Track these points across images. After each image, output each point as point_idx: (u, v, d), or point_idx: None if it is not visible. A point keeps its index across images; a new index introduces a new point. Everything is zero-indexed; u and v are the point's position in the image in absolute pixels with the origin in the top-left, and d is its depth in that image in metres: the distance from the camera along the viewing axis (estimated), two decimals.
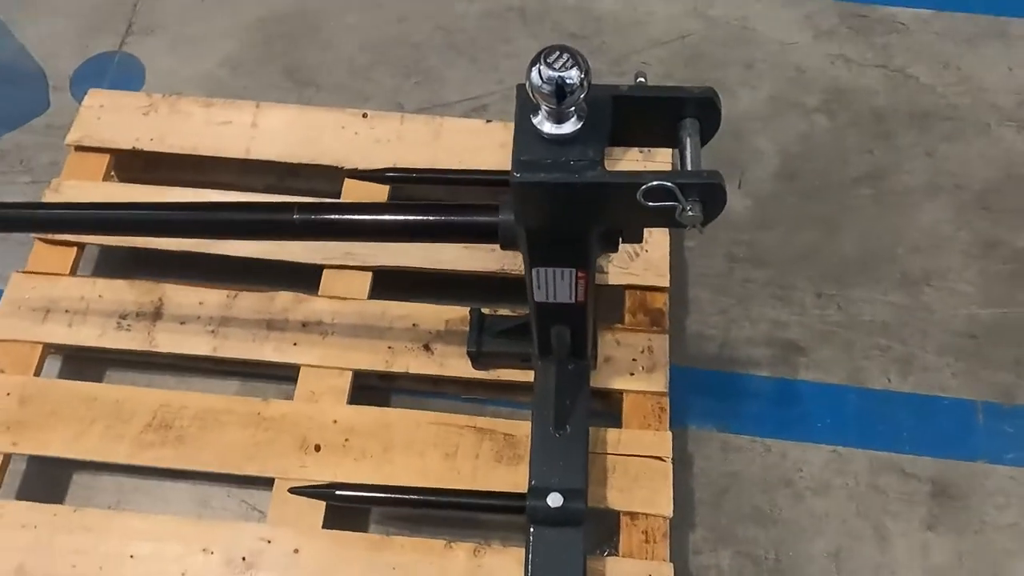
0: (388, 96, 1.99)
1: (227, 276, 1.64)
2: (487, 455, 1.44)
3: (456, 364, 1.51)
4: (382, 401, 1.60)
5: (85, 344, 1.54)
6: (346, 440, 1.46)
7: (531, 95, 0.80)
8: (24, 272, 1.59)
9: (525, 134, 0.85)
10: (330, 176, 1.73)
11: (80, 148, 1.72)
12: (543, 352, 1.36)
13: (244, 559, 1.36)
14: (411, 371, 1.52)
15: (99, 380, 1.62)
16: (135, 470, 1.54)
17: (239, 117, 1.75)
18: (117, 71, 2.05)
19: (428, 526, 1.53)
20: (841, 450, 1.63)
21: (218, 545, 1.37)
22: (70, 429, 1.45)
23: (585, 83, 0.81)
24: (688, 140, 0.93)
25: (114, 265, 1.73)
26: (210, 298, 1.58)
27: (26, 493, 1.53)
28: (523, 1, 2.14)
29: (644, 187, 0.82)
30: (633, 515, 1.41)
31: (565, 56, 0.79)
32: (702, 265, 1.81)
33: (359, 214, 1.10)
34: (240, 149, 1.71)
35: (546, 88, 0.79)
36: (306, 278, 1.62)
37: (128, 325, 1.55)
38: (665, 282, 1.60)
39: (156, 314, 1.56)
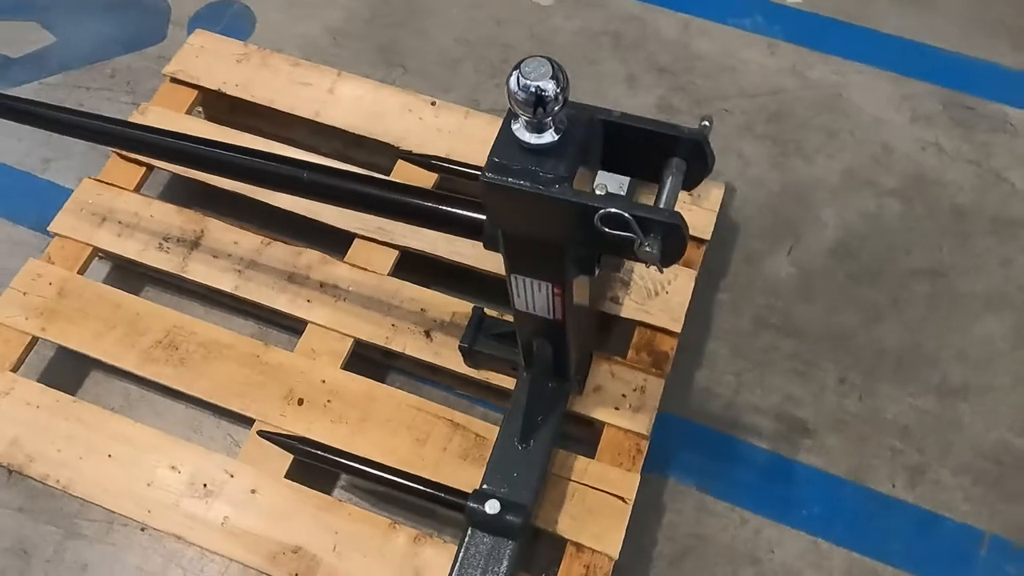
0: (467, 91, 2.04)
1: (270, 224, 1.73)
2: (455, 450, 1.46)
3: (450, 356, 1.53)
4: (378, 375, 1.64)
5: (126, 255, 1.66)
6: (328, 401, 1.51)
7: (508, 101, 0.82)
8: (95, 179, 1.73)
9: (506, 138, 0.87)
10: (388, 153, 1.79)
11: (174, 80, 1.86)
12: (527, 363, 1.36)
13: (205, 485, 1.44)
14: (407, 352, 1.56)
15: (136, 293, 1.74)
16: (146, 382, 1.65)
17: (319, 81, 1.84)
18: (231, 19, 2.20)
19: (390, 505, 1.57)
20: (822, 543, 1.55)
21: (187, 466, 1.45)
22: (92, 328, 1.57)
23: (560, 97, 0.81)
24: (669, 179, 0.92)
25: (175, 192, 1.86)
26: (245, 240, 1.67)
27: (46, 378, 1.67)
28: (622, 27, 2.15)
29: (602, 212, 0.82)
30: (579, 547, 1.39)
31: (544, 67, 0.80)
32: (729, 322, 1.77)
33: (360, 185, 1.14)
34: (311, 111, 1.80)
35: (520, 95, 0.81)
36: (338, 243, 1.68)
37: (168, 247, 1.66)
38: (677, 327, 1.57)
39: (194, 243, 1.66)
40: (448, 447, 1.46)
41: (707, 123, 1.71)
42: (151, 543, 1.56)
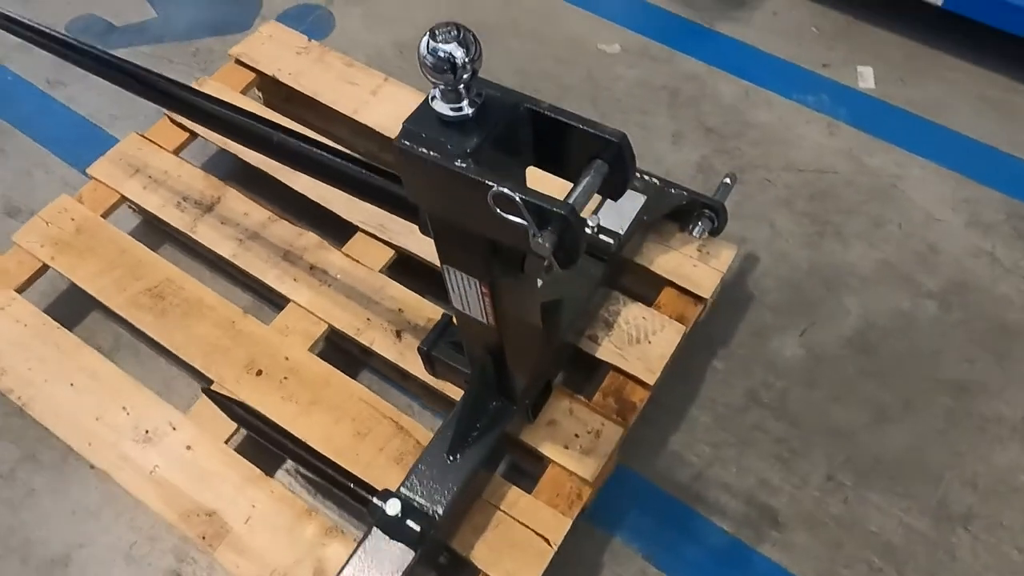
0: None
1: (285, 205, 1.78)
2: (391, 451, 1.42)
3: (414, 360, 1.51)
4: (350, 370, 1.63)
5: (145, 207, 1.74)
6: (285, 378, 1.51)
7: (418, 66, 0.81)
8: (140, 135, 1.84)
9: (424, 109, 0.86)
10: None
11: (237, 61, 1.97)
12: (472, 376, 1.32)
13: (147, 432, 1.46)
14: (373, 347, 1.54)
15: (154, 249, 1.82)
16: (140, 334, 1.71)
17: (365, 83, 1.91)
18: (314, 21, 2.33)
19: (327, 499, 1.54)
20: None
21: (137, 411, 1.48)
22: (94, 266, 1.65)
23: (469, 66, 0.80)
24: (586, 178, 0.88)
25: (214, 163, 1.95)
26: (255, 214, 1.72)
27: (52, 308, 1.75)
28: (681, 84, 2.13)
29: (494, 191, 0.79)
30: None
31: (455, 32, 0.79)
32: (718, 391, 1.66)
33: (316, 152, 1.16)
34: (350, 108, 1.87)
35: (429, 60, 0.80)
36: (341, 234, 1.71)
37: (184, 207, 1.73)
38: (651, 379, 1.49)
39: (209, 208, 1.73)
40: (385, 448, 1.43)
41: (728, 180, 1.67)
42: (96, 482, 1.59)
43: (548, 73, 2.17)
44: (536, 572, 1.31)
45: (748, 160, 1.99)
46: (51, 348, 1.55)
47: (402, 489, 1.28)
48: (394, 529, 1.21)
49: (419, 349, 1.43)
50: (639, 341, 1.54)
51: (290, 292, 1.61)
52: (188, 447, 1.44)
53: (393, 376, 1.66)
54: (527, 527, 1.35)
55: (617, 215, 1.57)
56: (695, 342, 1.72)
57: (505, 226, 0.82)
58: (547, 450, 1.42)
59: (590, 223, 1.47)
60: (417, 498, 1.26)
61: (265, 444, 1.41)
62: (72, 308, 1.78)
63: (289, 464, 1.57)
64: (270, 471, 1.48)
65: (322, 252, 1.67)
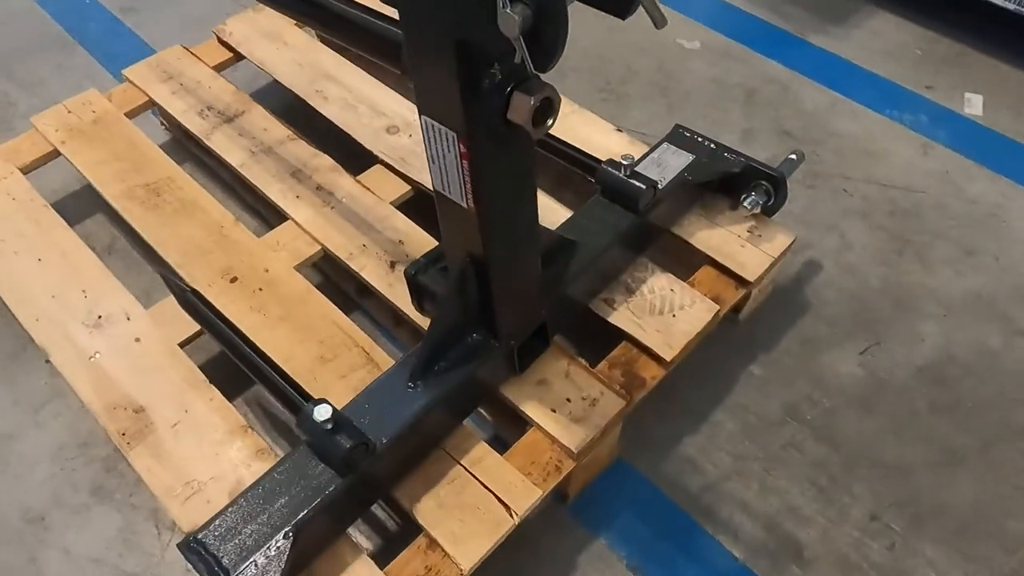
0: (573, 95, 1.91)
1: (312, 132, 1.66)
2: (354, 380, 1.23)
3: (401, 293, 1.33)
4: (339, 303, 1.46)
5: (168, 110, 1.66)
6: (260, 289, 1.36)
7: None
8: (184, 48, 1.79)
9: None
10: None
11: None
12: (448, 286, 1.12)
13: (100, 317, 1.32)
14: (363, 274, 1.38)
15: (180, 163, 1.73)
16: (134, 240, 1.62)
17: None
18: None
19: (271, 422, 1.36)
20: None
21: (96, 295, 1.35)
22: (101, 155, 1.57)
23: None
24: None
25: (248, 81, 1.87)
26: (274, 131, 1.61)
27: (59, 205, 1.67)
28: (760, 86, 1.94)
29: None
30: (432, 542, 1.08)
31: None
32: (753, 398, 1.40)
33: None
34: None
35: None
36: (361, 163, 1.58)
37: (206, 115, 1.65)
38: (668, 355, 1.26)
39: (230, 119, 1.64)
40: (348, 376, 1.24)
41: (794, 156, 1.46)
42: (47, 377, 1.45)
43: (618, 59, 2.03)
44: (487, 543, 1.07)
45: (825, 167, 1.77)
46: (31, 224, 1.46)
47: (346, 410, 1.09)
48: (324, 447, 1.01)
49: (405, 272, 1.26)
50: (662, 313, 1.31)
51: (290, 208, 1.48)
52: (137, 339, 1.29)
53: (386, 323, 1.49)
54: (488, 490, 1.12)
55: (657, 168, 1.37)
56: (733, 342, 1.48)
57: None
58: (530, 410, 1.20)
59: (623, 162, 1.30)
60: (362, 420, 1.06)
61: (226, 354, 1.24)
62: (77, 207, 1.70)
63: (251, 394, 1.40)
64: (216, 382, 1.31)
65: (333, 175, 1.53)
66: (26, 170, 1.58)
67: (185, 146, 1.81)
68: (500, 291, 1.07)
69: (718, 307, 1.32)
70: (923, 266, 1.59)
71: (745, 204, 1.37)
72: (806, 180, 1.74)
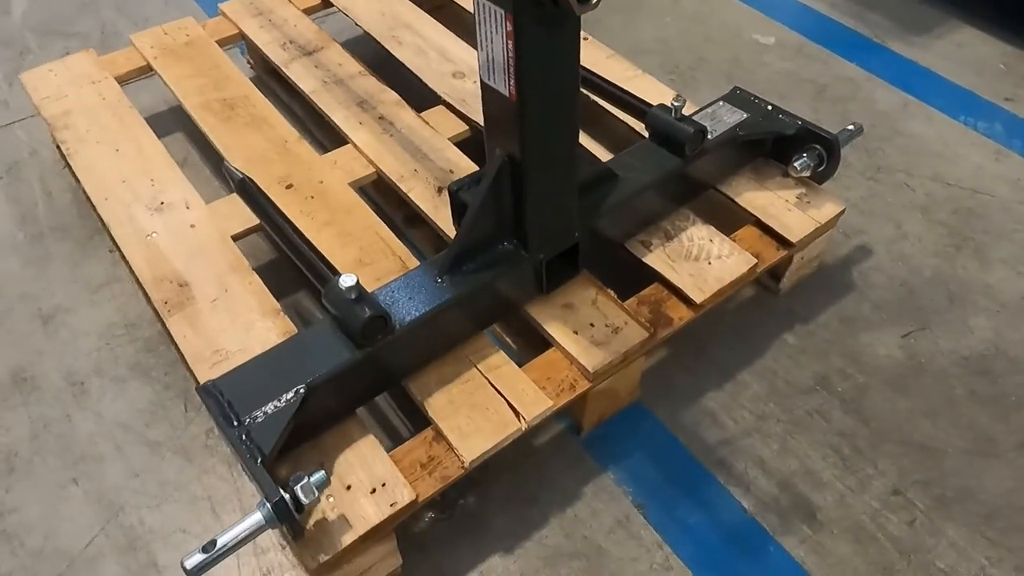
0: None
1: (385, 73, 1.73)
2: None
3: (445, 216, 1.37)
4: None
5: (255, 41, 1.77)
6: (312, 197, 1.42)
7: None
8: None
9: None
10: None
11: None
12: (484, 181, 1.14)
13: (162, 203, 1.40)
14: (411, 196, 1.42)
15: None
16: (208, 156, 1.72)
17: None
18: None
19: (307, 310, 1.42)
20: None
21: (163, 185, 1.44)
22: (186, 71, 1.67)
23: None
24: None
25: (336, 32, 1.96)
26: (348, 66, 1.69)
27: (156, 119, 1.79)
28: (832, 83, 1.93)
29: None
30: (439, 434, 1.10)
31: None
32: (784, 365, 1.37)
33: None
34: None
35: None
36: (425, 102, 1.63)
37: (287, 47, 1.74)
38: (699, 298, 1.25)
39: (309, 53, 1.73)
40: (383, 278, 1.26)
41: (853, 127, 1.44)
42: (108, 265, 1.55)
43: (691, 48, 2.05)
44: (491, 440, 1.08)
45: (890, 162, 1.73)
46: (116, 120, 1.57)
47: (377, 293, 1.12)
48: (345, 317, 1.04)
49: (449, 188, 1.29)
50: (697, 260, 1.31)
51: (351, 132, 1.54)
52: (192, 225, 1.37)
53: (428, 251, 1.53)
54: (500, 394, 1.13)
55: (710, 121, 1.38)
56: (771, 309, 1.45)
57: None
58: (552, 329, 1.21)
59: (674, 103, 1.31)
60: (387, 303, 1.09)
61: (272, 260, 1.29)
62: (161, 124, 1.80)
63: (298, 298, 1.46)
64: (261, 272, 1.36)
65: (397, 108, 1.59)
66: (121, 79, 1.70)
67: (267, 83, 1.91)
68: (534, 195, 1.09)
69: (755, 260, 1.31)
70: (981, 263, 1.54)
71: (796, 164, 1.36)
72: (868, 171, 1.72)
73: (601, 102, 1.52)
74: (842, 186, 1.69)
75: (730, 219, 1.42)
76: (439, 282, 1.14)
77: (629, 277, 1.33)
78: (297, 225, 1.35)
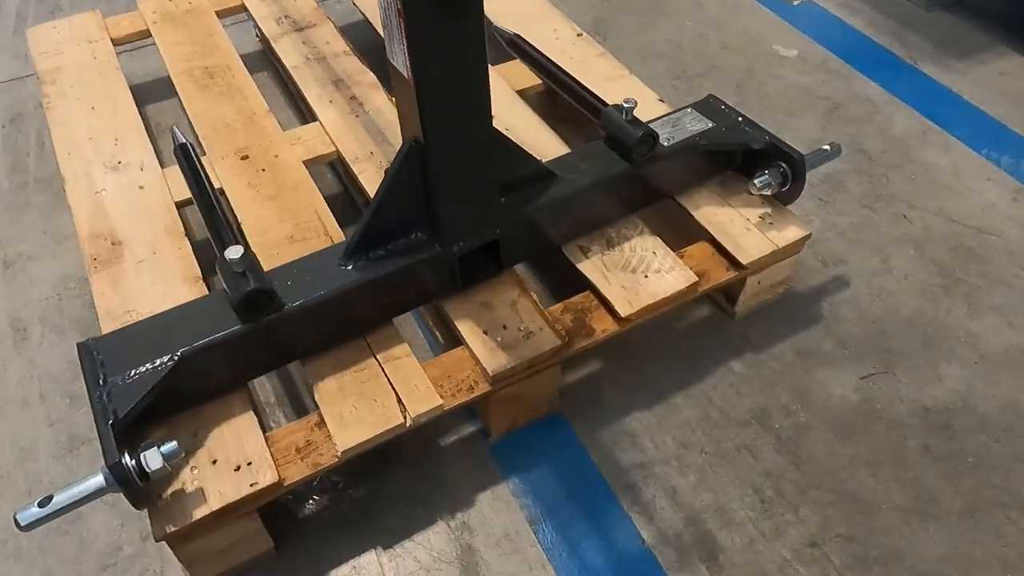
0: (646, 77, 1.86)
1: (375, 55, 1.72)
2: None
3: None
4: (350, 216, 1.49)
5: (253, 13, 1.78)
6: (263, 170, 1.41)
7: None
8: None
9: None
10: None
11: None
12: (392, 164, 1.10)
13: (120, 162, 1.43)
14: (361, 178, 1.40)
15: (260, 71, 1.85)
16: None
17: None
18: None
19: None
20: None
21: (125, 145, 1.47)
22: (178, 38, 1.70)
23: None
24: None
25: (343, 16, 1.97)
26: (335, 44, 1.68)
27: (142, 86, 1.84)
28: (848, 102, 1.80)
29: None
30: (321, 421, 1.07)
31: None
32: (723, 393, 1.29)
33: None
34: None
35: None
36: None
37: (281, 22, 1.75)
38: (625, 311, 1.18)
39: (300, 30, 1.73)
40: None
41: (828, 147, 1.34)
42: None
43: (704, 54, 1.95)
44: (369, 432, 1.05)
45: (892, 191, 1.61)
46: (100, 79, 1.61)
47: (274, 271, 1.10)
48: (230, 286, 1.02)
49: (385, 171, 1.26)
50: (634, 271, 1.23)
51: (319, 110, 1.53)
52: (141, 187, 1.38)
53: None
54: (392, 387, 1.10)
55: (670, 127, 1.30)
56: (724, 334, 1.37)
57: None
58: (463, 327, 1.16)
59: (625, 105, 1.25)
60: (285, 282, 1.07)
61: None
62: (157, 90, 1.85)
63: None
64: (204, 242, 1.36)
65: (370, 90, 1.57)
66: (118, 41, 1.75)
67: (269, 58, 1.93)
68: (442, 182, 1.05)
69: (696, 279, 1.22)
70: (969, 308, 1.40)
71: (756, 182, 1.27)
72: (866, 198, 1.59)
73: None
74: (833, 211, 1.57)
75: (686, 232, 1.34)
76: (342, 265, 1.11)
77: (572, 281, 1.27)
78: (242, 197, 1.36)
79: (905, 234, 1.53)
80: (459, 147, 1.03)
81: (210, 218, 1.14)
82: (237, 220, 1.31)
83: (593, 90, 1.46)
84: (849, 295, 1.43)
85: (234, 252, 1.01)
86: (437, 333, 1.31)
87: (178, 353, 1.00)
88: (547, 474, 1.20)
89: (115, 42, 1.74)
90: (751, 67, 1.92)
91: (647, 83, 1.59)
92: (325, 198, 1.53)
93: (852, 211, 1.57)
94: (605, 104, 1.29)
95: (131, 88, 1.60)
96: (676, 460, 1.21)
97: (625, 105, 1.23)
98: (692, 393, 1.29)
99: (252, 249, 1.23)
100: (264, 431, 1.06)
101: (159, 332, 1.04)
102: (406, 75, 0.95)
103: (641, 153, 1.24)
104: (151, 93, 1.86)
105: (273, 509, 1.11)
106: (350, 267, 1.11)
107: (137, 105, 1.56)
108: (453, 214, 1.10)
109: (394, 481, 1.19)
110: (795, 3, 2.11)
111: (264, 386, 1.32)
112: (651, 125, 1.30)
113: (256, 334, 1.05)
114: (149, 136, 1.50)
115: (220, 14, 1.82)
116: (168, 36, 1.72)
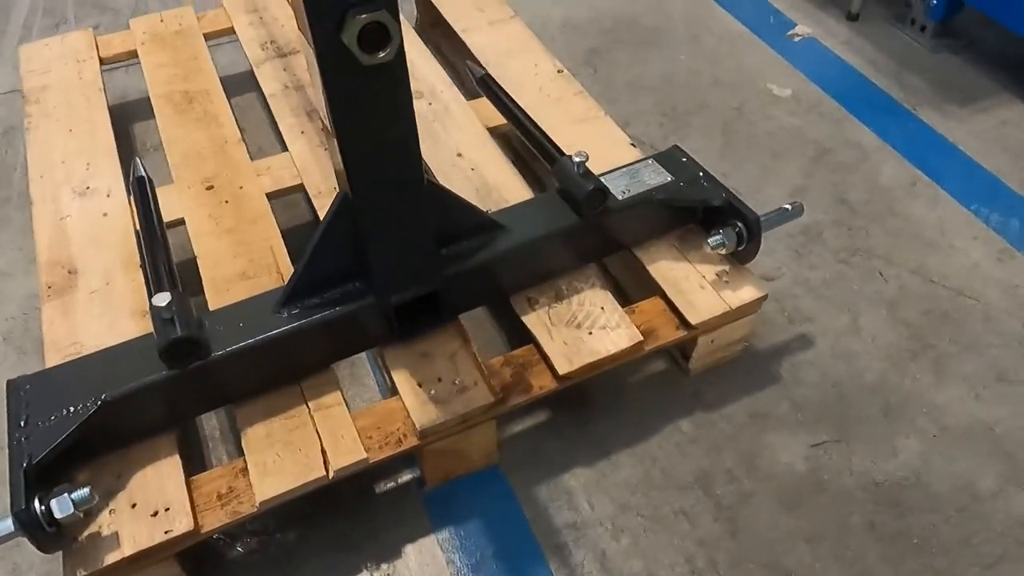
0: (626, 111, 1.83)
1: None
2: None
3: None
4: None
5: (241, 36, 1.79)
6: (226, 201, 1.42)
7: None
8: None
9: None
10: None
11: None
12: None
13: (88, 188, 1.45)
14: (320, 211, 1.40)
15: (235, 95, 1.86)
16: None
17: (493, 13, 1.81)
18: None
19: None
20: None
21: (96, 170, 1.48)
22: (164, 60, 1.72)
23: None
24: None
25: None
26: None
27: (127, 104, 1.86)
28: (839, 148, 1.75)
29: None
30: (245, 468, 1.07)
31: None
32: (667, 453, 1.26)
33: None
34: (461, 27, 1.79)
35: None
36: None
37: (266, 48, 1.76)
38: (564, 369, 1.16)
39: (284, 55, 1.73)
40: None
41: (789, 207, 1.30)
42: None
43: (694, 88, 1.92)
44: (288, 484, 1.05)
45: (870, 245, 1.56)
46: (83, 100, 1.63)
47: (212, 315, 1.11)
48: (157, 332, 1.03)
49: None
50: (579, 327, 1.22)
51: (290, 141, 1.54)
52: (105, 214, 1.40)
53: None
54: (318, 436, 1.10)
55: (627, 180, 1.28)
56: (676, 391, 1.34)
57: None
58: (398, 377, 1.16)
59: (576, 159, 1.23)
60: (217, 328, 1.08)
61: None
62: (145, 109, 1.87)
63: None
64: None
65: None
66: (107, 60, 1.78)
67: (252, 84, 1.94)
68: (372, 235, 1.05)
69: (642, 339, 1.20)
70: (936, 377, 1.35)
71: (710, 241, 1.24)
72: (842, 252, 1.55)
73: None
74: (807, 264, 1.53)
75: (642, 286, 1.31)
76: (279, 313, 1.11)
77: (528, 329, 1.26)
78: (201, 228, 1.37)
79: (879, 292, 1.48)
80: (388, 201, 1.02)
81: (149, 258, 1.15)
82: (194, 253, 1.32)
83: (563, 132, 1.45)
84: (812, 356, 1.39)
85: (161, 299, 1.02)
86: (386, 376, 1.31)
87: (102, 397, 1.01)
88: (478, 528, 1.19)
89: (104, 62, 1.77)
90: (742, 106, 1.88)
91: (634, 118, 1.57)
92: (294, 228, 1.55)
93: (826, 265, 1.53)
94: (562, 153, 1.27)
95: (123, 105, 1.63)
96: (611, 522, 1.19)
97: (576, 159, 1.21)
98: (636, 451, 1.27)
99: (204, 284, 1.26)
100: (205, 468, 1.07)
101: (87, 373, 1.05)
102: (329, 128, 0.95)
103: (591, 208, 1.21)
104: (141, 111, 1.88)
105: (201, 551, 1.12)
106: (284, 314, 1.11)
107: (125, 123, 1.59)
108: (387, 266, 1.09)
109: (326, 527, 1.19)
110: (795, 39, 2.06)
111: (211, 420, 1.33)
112: (609, 177, 1.28)
113: (183, 380, 1.05)
114: (122, 161, 1.52)
115: (210, 36, 1.84)
116: (154, 57, 1.74)
